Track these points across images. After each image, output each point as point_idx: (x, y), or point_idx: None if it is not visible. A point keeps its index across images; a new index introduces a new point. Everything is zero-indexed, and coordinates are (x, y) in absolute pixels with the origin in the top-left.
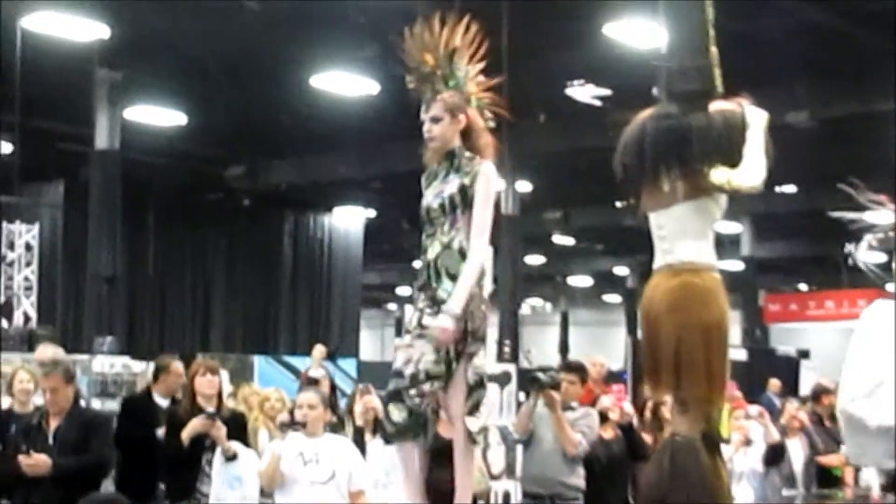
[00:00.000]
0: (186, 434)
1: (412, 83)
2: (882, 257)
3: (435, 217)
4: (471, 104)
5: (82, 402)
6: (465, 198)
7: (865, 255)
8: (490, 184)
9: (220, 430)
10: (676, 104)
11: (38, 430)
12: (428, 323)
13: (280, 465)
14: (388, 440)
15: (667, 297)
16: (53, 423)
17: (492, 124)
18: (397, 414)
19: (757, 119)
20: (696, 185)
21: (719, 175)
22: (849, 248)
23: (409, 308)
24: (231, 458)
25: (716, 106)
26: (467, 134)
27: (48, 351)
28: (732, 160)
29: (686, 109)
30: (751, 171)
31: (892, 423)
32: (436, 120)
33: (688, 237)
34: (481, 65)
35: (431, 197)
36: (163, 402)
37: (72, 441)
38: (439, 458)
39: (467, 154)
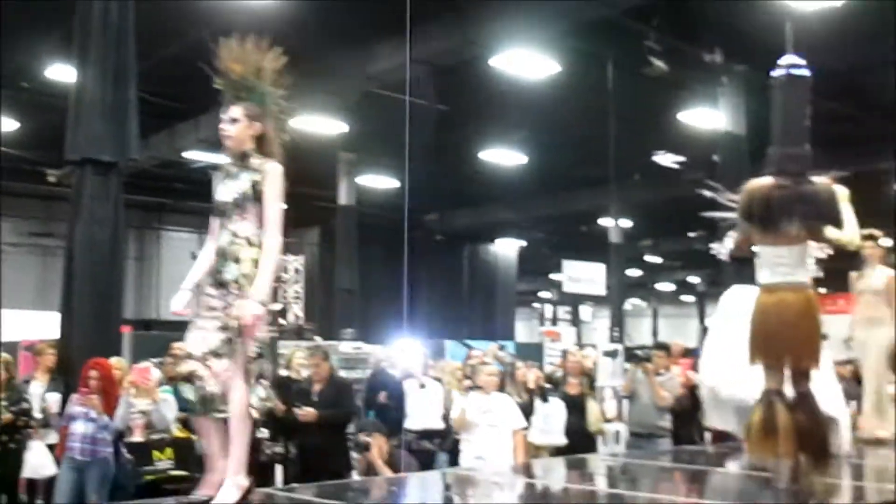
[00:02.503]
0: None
1: (220, 85)
2: None
3: (228, 210)
4: (268, 117)
5: (335, 373)
6: (255, 192)
7: (728, 251)
8: (278, 182)
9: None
10: (788, 177)
11: (307, 392)
12: (238, 311)
13: (466, 415)
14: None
15: (798, 304)
16: (317, 387)
17: (287, 138)
18: (192, 392)
19: (843, 193)
20: (811, 233)
21: (832, 232)
22: (713, 245)
23: (548, 306)
24: (422, 386)
25: (816, 181)
26: (261, 141)
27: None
28: (830, 220)
29: (796, 182)
30: (852, 234)
31: (742, 394)
32: (233, 121)
33: (801, 266)
34: (283, 91)
35: (226, 193)
36: (391, 372)
37: (329, 399)
38: None
39: (257, 156)
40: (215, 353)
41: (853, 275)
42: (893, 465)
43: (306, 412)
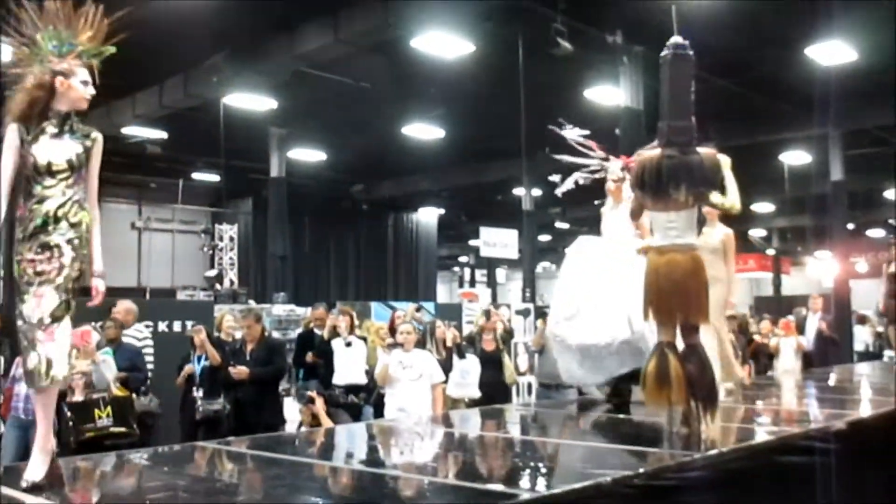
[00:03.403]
0: (326, 332)
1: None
2: (762, 231)
3: (59, 171)
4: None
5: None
6: (87, 158)
7: (568, 188)
8: (101, 153)
9: (339, 321)
10: (675, 148)
11: (240, 352)
12: (97, 283)
13: (389, 370)
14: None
15: (686, 264)
16: (250, 347)
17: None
18: (33, 360)
19: (726, 161)
20: (698, 199)
21: (716, 197)
22: (555, 179)
23: (467, 270)
24: (348, 344)
25: (701, 151)
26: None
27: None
28: (715, 186)
29: (683, 152)
30: (735, 198)
31: (589, 341)
32: (85, 83)
33: (689, 229)
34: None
35: (51, 152)
36: (319, 333)
37: (261, 358)
38: None
39: (77, 120)
40: (54, 317)
41: None
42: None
43: (240, 370)
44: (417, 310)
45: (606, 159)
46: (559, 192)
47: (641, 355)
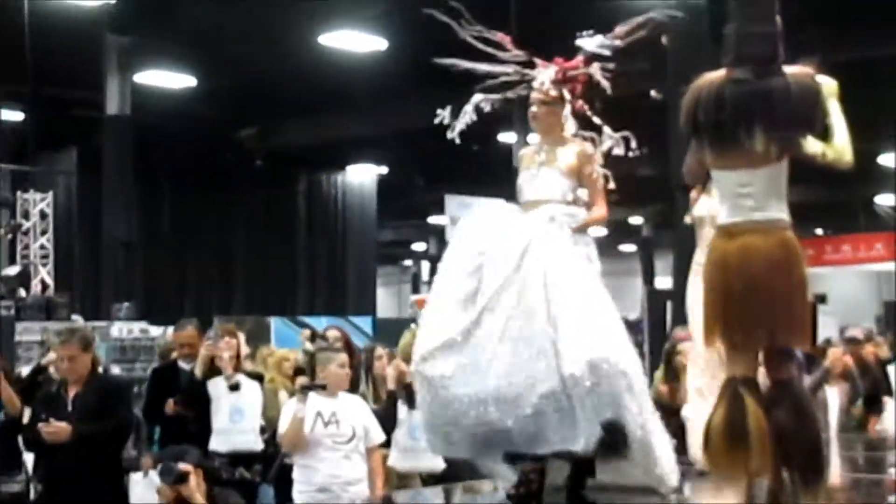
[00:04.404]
0: (198, 366)
1: None
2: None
3: None
4: None
5: (101, 370)
6: None
7: (467, 121)
8: None
9: (223, 351)
10: (749, 69)
11: (57, 398)
12: None
13: (301, 427)
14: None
15: (772, 252)
16: (73, 391)
17: None
18: None
19: (831, 88)
20: (785, 148)
21: (814, 146)
22: (442, 114)
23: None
24: (234, 387)
25: (789, 71)
26: None
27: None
28: (812, 128)
29: (760, 74)
30: (844, 146)
31: (484, 389)
32: None
33: (774, 197)
34: None
35: None
36: (186, 368)
37: (91, 407)
38: None
39: None
40: None
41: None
42: None
43: (56, 428)
44: (313, 338)
45: (529, 64)
46: (453, 134)
47: (586, 424)
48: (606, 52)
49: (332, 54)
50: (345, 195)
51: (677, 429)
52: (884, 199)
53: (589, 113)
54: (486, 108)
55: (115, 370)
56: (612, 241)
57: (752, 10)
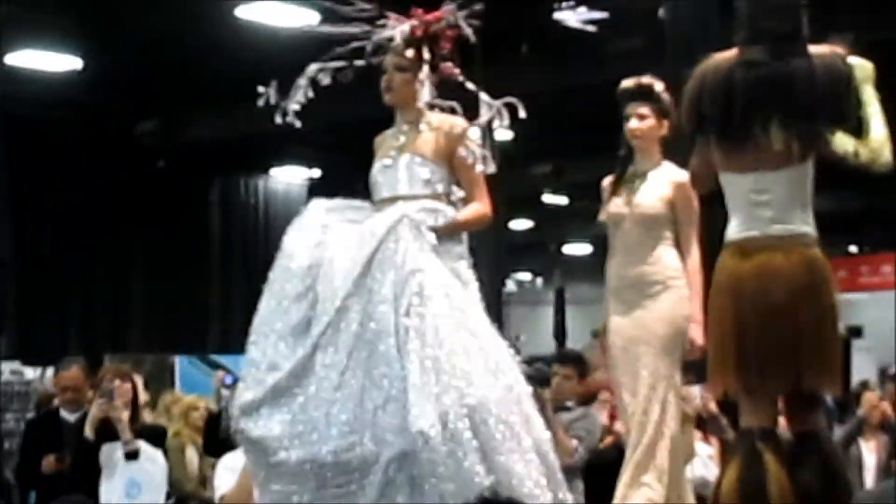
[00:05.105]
0: (88, 426)
1: None
2: None
3: None
4: None
5: None
6: None
7: (300, 100)
8: None
9: (120, 412)
10: (765, 48)
11: None
12: None
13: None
14: None
15: (796, 275)
16: None
17: None
18: None
19: (865, 72)
20: (808, 146)
21: (844, 143)
22: (266, 92)
23: None
24: (131, 455)
25: (814, 51)
26: None
27: None
28: (842, 120)
29: (779, 54)
30: (881, 143)
31: (315, 450)
32: None
33: (796, 206)
34: None
35: None
36: (71, 418)
37: None
38: None
39: None
40: None
41: None
42: None
43: None
44: (226, 384)
45: (380, 18)
46: (288, 118)
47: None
48: (592, 28)
49: (251, 29)
50: (267, 204)
51: None
52: None
53: (461, 78)
54: (325, 81)
55: None
56: (599, 261)
57: None
